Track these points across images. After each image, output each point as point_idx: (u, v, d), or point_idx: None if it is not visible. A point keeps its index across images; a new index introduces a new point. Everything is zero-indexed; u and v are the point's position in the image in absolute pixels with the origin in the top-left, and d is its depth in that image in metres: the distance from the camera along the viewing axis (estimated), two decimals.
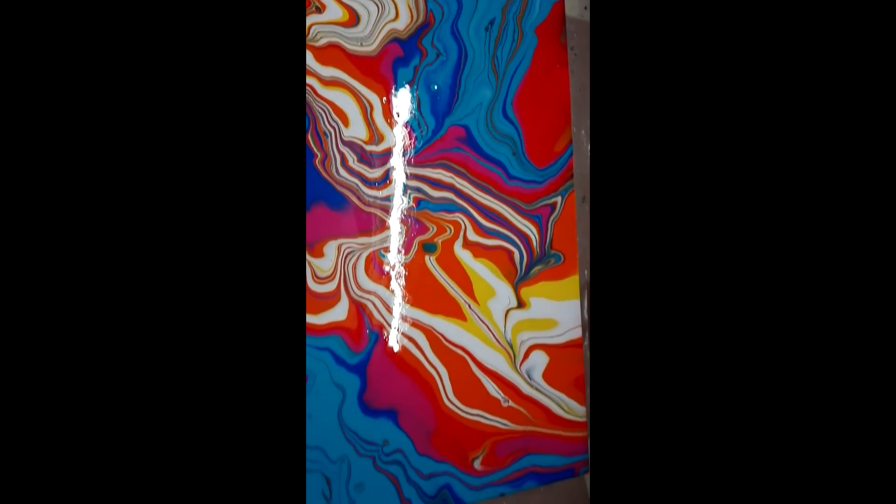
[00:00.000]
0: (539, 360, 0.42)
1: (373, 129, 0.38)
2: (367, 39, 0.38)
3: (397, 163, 0.38)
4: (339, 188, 0.37)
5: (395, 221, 0.38)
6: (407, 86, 0.39)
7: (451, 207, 0.40)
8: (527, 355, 0.42)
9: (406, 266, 0.39)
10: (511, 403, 0.41)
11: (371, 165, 0.38)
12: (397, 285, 0.38)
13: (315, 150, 0.36)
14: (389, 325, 0.38)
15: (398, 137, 0.38)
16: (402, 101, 0.39)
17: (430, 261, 0.39)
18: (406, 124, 0.39)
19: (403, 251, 0.39)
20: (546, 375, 0.42)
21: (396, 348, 0.38)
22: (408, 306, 0.39)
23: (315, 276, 0.36)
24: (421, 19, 0.39)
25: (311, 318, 0.36)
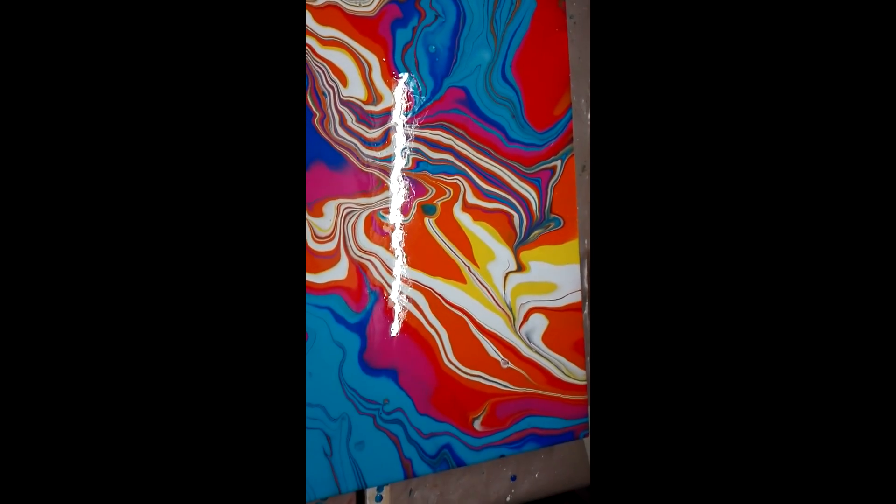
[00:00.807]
0: (538, 323, 0.42)
1: (371, 90, 0.38)
2: (365, 0, 0.37)
3: (396, 124, 0.38)
4: (337, 148, 0.37)
5: (394, 182, 0.38)
6: (405, 47, 0.39)
7: (450, 170, 0.40)
8: (526, 318, 0.42)
9: (406, 227, 0.39)
10: (510, 365, 0.41)
11: (370, 126, 0.38)
12: (397, 246, 0.38)
13: (314, 109, 0.36)
14: (389, 286, 0.38)
15: (397, 98, 0.38)
16: (401, 61, 0.39)
17: (430, 223, 0.39)
18: (405, 85, 0.39)
19: (403, 212, 0.39)
20: (546, 338, 0.42)
21: (396, 308, 0.38)
22: (407, 267, 0.39)
23: (315, 236, 0.36)
24: None
25: (310, 277, 0.36)
